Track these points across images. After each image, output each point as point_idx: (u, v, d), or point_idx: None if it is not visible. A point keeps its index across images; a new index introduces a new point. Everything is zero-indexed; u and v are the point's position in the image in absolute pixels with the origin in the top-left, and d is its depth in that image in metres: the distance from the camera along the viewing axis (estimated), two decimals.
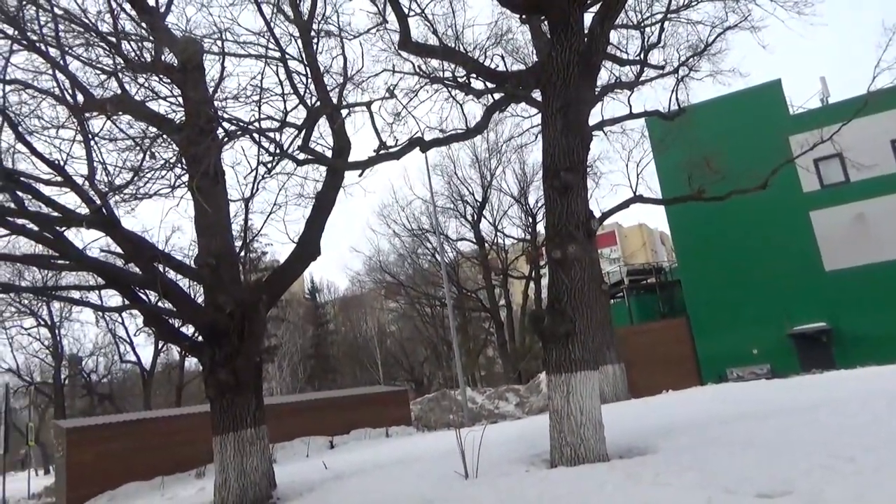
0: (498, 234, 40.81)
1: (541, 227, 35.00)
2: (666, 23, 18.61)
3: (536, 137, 25.67)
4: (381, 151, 10.13)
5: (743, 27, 18.02)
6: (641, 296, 35.89)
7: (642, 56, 19.33)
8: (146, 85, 10.95)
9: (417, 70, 13.38)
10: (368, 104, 9.95)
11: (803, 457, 5.64)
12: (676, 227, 30.29)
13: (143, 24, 10.26)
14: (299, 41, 10.53)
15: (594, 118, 20.61)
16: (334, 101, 10.60)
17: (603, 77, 20.26)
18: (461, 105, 14.41)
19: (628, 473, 5.99)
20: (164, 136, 10.27)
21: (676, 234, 30.89)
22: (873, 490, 4.43)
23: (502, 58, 16.23)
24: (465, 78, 13.18)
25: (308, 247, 10.42)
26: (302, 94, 10.57)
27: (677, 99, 20.78)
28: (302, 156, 10.49)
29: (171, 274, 10.63)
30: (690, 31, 19.11)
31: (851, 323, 25.46)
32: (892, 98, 21.99)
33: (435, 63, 13.36)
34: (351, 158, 10.66)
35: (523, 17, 15.48)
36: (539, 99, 11.36)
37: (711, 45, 19.32)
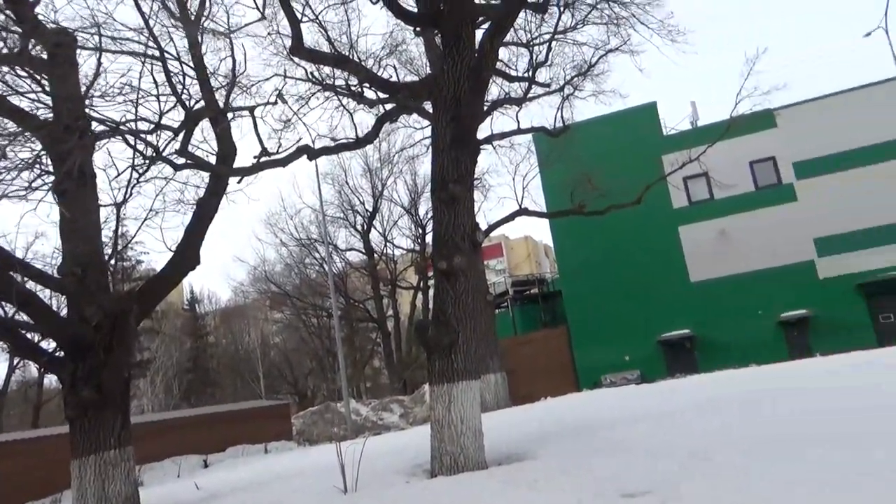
0: (388, 244, 40.79)
1: (430, 238, 35.31)
2: (553, 43, 19.39)
3: (428, 149, 25.89)
4: (265, 158, 9.83)
5: (623, 51, 19.05)
6: (525, 306, 37.05)
7: (530, 74, 20.02)
8: (4, 80, 10.03)
9: (310, 76, 13.14)
10: (252, 109, 9.65)
11: (666, 458, 6.02)
12: (559, 239, 31.67)
13: (9, 13, 9.40)
14: (185, 40, 10.03)
15: (483, 132, 21.11)
16: (221, 104, 10.18)
17: (493, 92, 20.82)
18: (352, 114, 14.30)
19: (505, 480, 6.13)
20: (27, 134, 9.42)
21: (559, 246, 32.29)
22: (725, 486, 4.79)
23: (395, 68, 16.30)
24: (358, 87, 13.08)
25: (187, 255, 9.90)
26: (181, 94, 10.06)
27: (562, 116, 21.69)
28: (181, 160, 9.97)
29: (32, 284, 9.75)
30: (576, 51, 19.98)
31: (713, 330, 27.61)
32: (751, 123, 24.12)
33: (328, 70, 13.19)
34: (237, 164, 10.26)
35: (417, 29, 15.60)
36: (430, 111, 11.49)
37: (594, 66, 20.31)
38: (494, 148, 23.90)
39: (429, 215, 37.04)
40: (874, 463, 4.66)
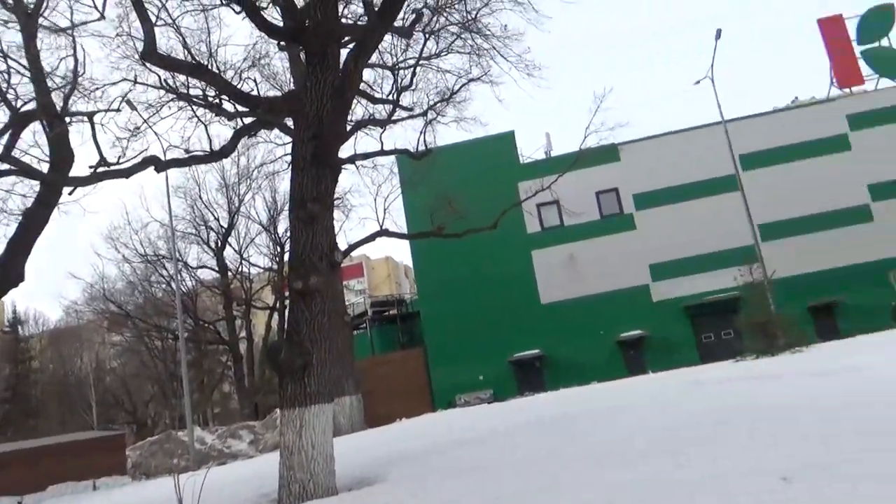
0: (243, 262, 39.06)
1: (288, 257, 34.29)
2: (418, 68, 19.73)
3: (289, 165, 25.23)
4: (104, 169, 9.09)
5: (484, 80, 19.74)
6: (384, 327, 37.04)
7: (395, 97, 20.19)
8: None
9: (163, 83, 12.39)
10: (91, 114, 8.90)
11: (512, 476, 6.22)
12: (418, 261, 32.10)
13: None
14: (18, 34, 9.08)
15: (346, 151, 20.98)
16: (58, 106, 9.31)
17: (357, 112, 20.78)
18: (206, 126, 13.66)
19: None
20: None
21: (418, 267, 32.69)
22: (564, 501, 5.02)
23: (255, 82, 15.79)
24: (215, 98, 12.53)
25: (9, 271, 8.89)
26: (5, 92, 9.09)
27: (425, 140, 22.03)
28: (4, 165, 8.98)
29: None
30: (440, 78, 20.45)
31: (560, 349, 29.17)
32: (598, 156, 26.01)
33: (183, 78, 12.51)
34: (76, 172, 9.40)
35: (282, 43, 15.27)
36: (292, 127, 11.23)
37: (457, 94, 20.87)
38: (357, 168, 23.82)
39: (288, 233, 35.96)
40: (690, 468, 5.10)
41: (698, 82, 26.03)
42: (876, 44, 31.67)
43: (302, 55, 13.87)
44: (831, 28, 32.17)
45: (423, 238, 25.45)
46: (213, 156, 11.94)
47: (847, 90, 31.80)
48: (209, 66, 12.72)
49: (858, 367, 9.67)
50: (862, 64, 31.59)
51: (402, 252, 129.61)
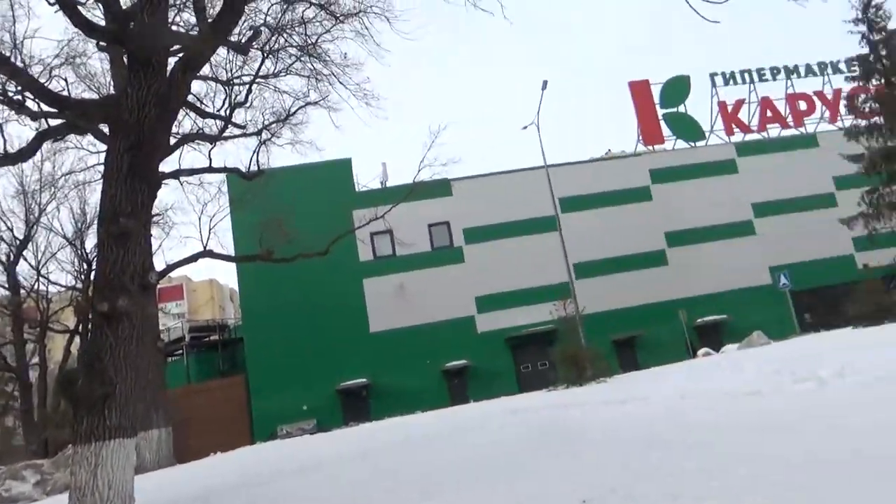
0: (41, 279, 34.80)
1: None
2: (254, 86, 19.14)
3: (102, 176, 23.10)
4: None
5: (322, 105, 19.52)
6: (203, 353, 34.85)
7: (227, 113, 19.39)
8: None
9: None
10: None
11: None
12: (245, 285, 30.75)
13: None
14: None
15: (170, 165, 19.71)
16: None
17: (185, 125, 19.65)
18: (2, 125, 12.14)
19: None
20: None
21: (244, 292, 31.31)
22: None
23: (66, 81, 14.40)
24: (17, 94, 11.19)
25: None
26: None
27: (258, 160, 21.31)
28: None
29: None
30: (277, 98, 19.94)
31: (387, 378, 29.28)
32: (431, 190, 26.78)
33: None
34: None
35: (101, 43, 14.09)
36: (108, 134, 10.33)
37: (293, 115, 20.38)
38: (182, 184, 22.43)
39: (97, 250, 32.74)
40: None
41: (525, 127, 27.90)
42: (675, 109, 36.14)
43: (125, 58, 12.90)
44: (640, 91, 36.22)
45: (251, 261, 24.39)
46: (7, 158, 10.62)
47: (651, 147, 35.82)
48: (11, 58, 11.39)
49: (648, 395, 10.75)
50: (663, 125, 35.85)
51: (228, 274, 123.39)
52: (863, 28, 25.76)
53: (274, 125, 20.71)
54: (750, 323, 27.81)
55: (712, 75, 36.65)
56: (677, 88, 36.34)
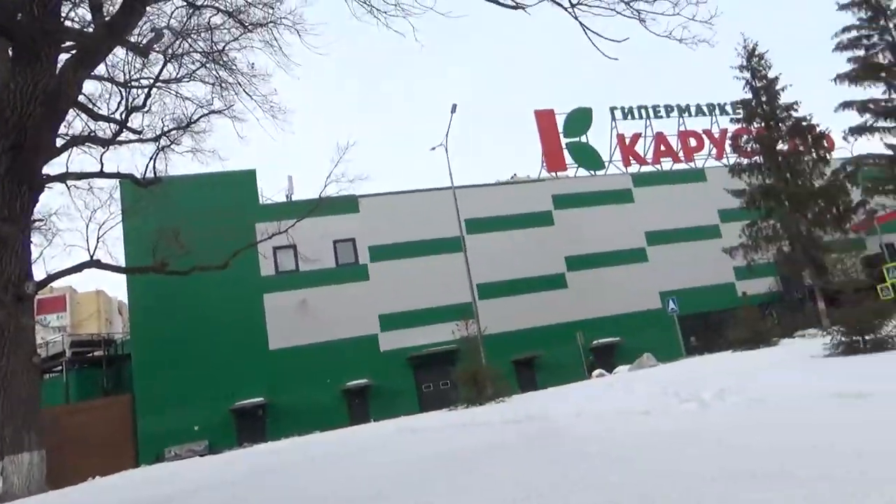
0: None
1: None
2: (154, 90, 18.30)
3: None
4: None
5: (227, 115, 18.97)
6: (85, 370, 32.55)
7: (123, 116, 18.39)
8: None
9: None
10: None
11: None
12: (135, 297, 29.11)
13: None
14: None
15: (57, 168, 18.40)
16: None
17: (76, 127, 18.48)
18: None
19: None
20: None
21: (133, 304, 29.59)
22: None
23: None
24: None
25: None
26: None
27: (155, 167, 20.28)
28: None
29: None
30: (178, 104, 19.21)
31: (285, 397, 28.45)
32: (338, 206, 26.50)
33: None
34: None
35: None
36: None
37: (195, 123, 19.64)
38: (69, 188, 20.96)
39: None
40: None
41: (434, 149, 28.19)
42: (577, 139, 37.72)
43: (10, 51, 12.01)
44: (545, 119, 37.57)
45: (142, 273, 23.09)
46: None
47: (554, 174, 37.15)
48: None
49: (547, 414, 11.01)
50: (566, 153, 37.30)
51: (117, 286, 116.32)
52: (747, 75, 27.97)
53: (174, 132, 19.84)
54: (641, 345, 29.22)
55: (612, 109, 38.64)
56: (580, 119, 38.00)
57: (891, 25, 24.72)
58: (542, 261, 34.13)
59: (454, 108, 26.71)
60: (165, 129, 19.68)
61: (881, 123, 24.74)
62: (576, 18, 5.56)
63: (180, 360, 27.69)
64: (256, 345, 29.23)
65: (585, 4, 5.59)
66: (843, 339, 12.40)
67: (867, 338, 12.15)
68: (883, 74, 24.30)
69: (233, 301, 28.91)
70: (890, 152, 24.81)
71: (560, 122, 37.57)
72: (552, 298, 33.60)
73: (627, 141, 38.39)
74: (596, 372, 23.55)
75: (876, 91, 24.79)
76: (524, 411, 12.28)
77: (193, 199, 28.24)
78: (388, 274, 31.86)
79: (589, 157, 37.61)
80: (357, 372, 29.90)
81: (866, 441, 4.75)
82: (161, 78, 17.88)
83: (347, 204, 30.81)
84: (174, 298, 27.37)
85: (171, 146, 20.13)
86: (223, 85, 16.92)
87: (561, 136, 37.34)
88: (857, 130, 25.29)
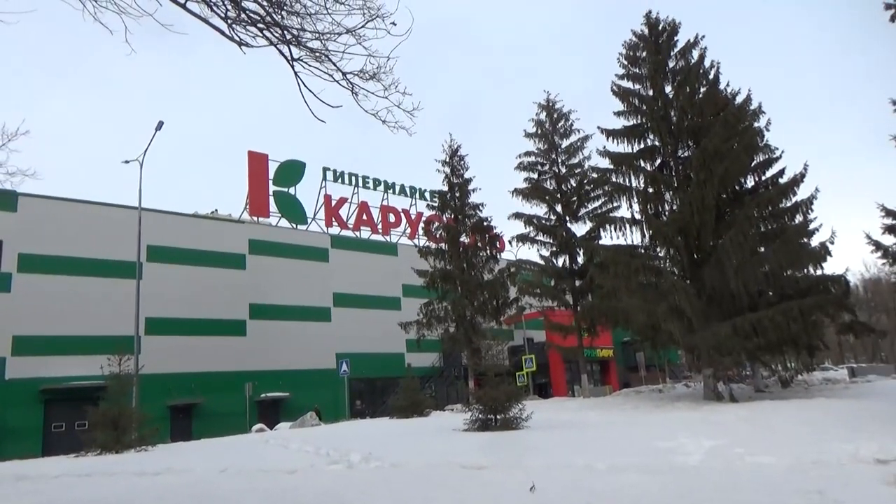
0: None
1: None
2: None
3: None
4: None
5: None
6: None
7: None
8: None
9: None
10: None
11: None
12: None
13: None
14: None
15: None
16: None
17: None
18: None
19: None
20: None
21: None
22: None
23: None
24: None
25: None
26: None
27: None
28: None
29: None
30: None
31: None
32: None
33: None
34: None
35: None
36: None
37: None
38: None
39: None
40: None
41: (128, 162, 25.48)
42: (286, 189, 37.62)
43: None
44: (257, 162, 36.86)
45: None
46: None
47: (255, 218, 36.28)
48: None
49: (190, 467, 10.23)
50: (272, 201, 36.84)
51: None
52: (448, 170, 31.17)
53: None
54: (309, 402, 29.32)
55: (325, 169, 39.64)
56: (292, 171, 38.14)
57: (559, 160, 30.01)
58: (226, 304, 32.57)
59: (160, 125, 24.66)
60: None
61: (539, 237, 29.46)
62: (296, 74, 5.61)
63: None
64: None
65: (305, 62, 5.68)
66: (479, 415, 13.98)
67: (499, 416, 13.89)
68: (547, 198, 29.17)
69: None
70: (541, 262, 29.57)
71: (273, 168, 37.19)
72: (228, 344, 32.05)
73: (333, 203, 39.48)
74: (256, 426, 22.80)
75: (540, 209, 29.60)
76: (165, 463, 11.24)
77: None
78: (37, 288, 27.07)
79: (294, 210, 37.66)
80: None
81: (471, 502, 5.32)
82: None
83: (2, 199, 25.95)
84: None
85: None
86: None
87: (270, 182, 36.88)
88: (521, 238, 29.67)
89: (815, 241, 19.25)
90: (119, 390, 16.53)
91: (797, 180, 19.33)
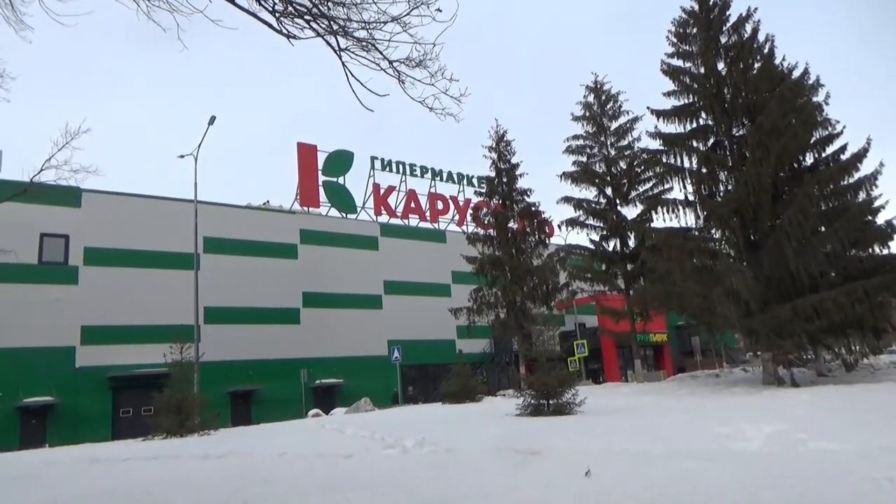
0: None
1: None
2: None
3: None
4: None
5: None
6: None
7: None
8: None
9: None
10: None
11: None
12: None
13: None
14: None
15: None
16: None
17: None
18: None
19: None
20: None
21: None
22: None
23: None
24: None
25: None
26: None
27: None
28: None
29: None
30: None
31: None
32: (52, 196, 23.21)
33: None
34: None
35: None
36: None
37: None
38: None
39: None
40: None
41: (183, 157, 26.28)
42: (335, 179, 38.12)
43: None
44: (306, 154, 37.43)
45: None
46: None
47: (306, 209, 36.92)
48: None
49: (252, 451, 10.55)
50: (322, 191, 37.40)
51: None
52: (494, 156, 31.02)
53: None
54: (362, 388, 29.82)
55: (373, 158, 39.96)
56: (341, 161, 38.57)
57: (608, 142, 29.53)
58: (280, 293, 33.33)
59: (213, 119, 25.30)
60: None
61: (589, 221, 29.11)
62: (343, 64, 5.64)
63: None
64: None
65: (352, 52, 5.72)
66: (531, 401, 13.96)
67: (551, 402, 13.84)
68: (596, 181, 28.76)
69: None
70: (591, 246, 29.23)
71: (321, 159, 37.71)
72: (283, 332, 32.83)
73: (382, 191, 39.82)
74: (312, 412, 23.35)
75: (589, 193, 29.22)
76: (227, 447, 11.62)
77: None
78: (102, 281, 28.28)
79: (343, 199, 38.15)
80: (42, 388, 25.76)
81: (524, 487, 5.33)
82: None
83: (67, 195, 27.08)
84: None
85: None
86: None
87: (319, 173, 37.42)
88: (571, 223, 29.37)
89: (880, 219, 18.41)
90: (181, 377, 17.16)
91: (860, 155, 18.52)
